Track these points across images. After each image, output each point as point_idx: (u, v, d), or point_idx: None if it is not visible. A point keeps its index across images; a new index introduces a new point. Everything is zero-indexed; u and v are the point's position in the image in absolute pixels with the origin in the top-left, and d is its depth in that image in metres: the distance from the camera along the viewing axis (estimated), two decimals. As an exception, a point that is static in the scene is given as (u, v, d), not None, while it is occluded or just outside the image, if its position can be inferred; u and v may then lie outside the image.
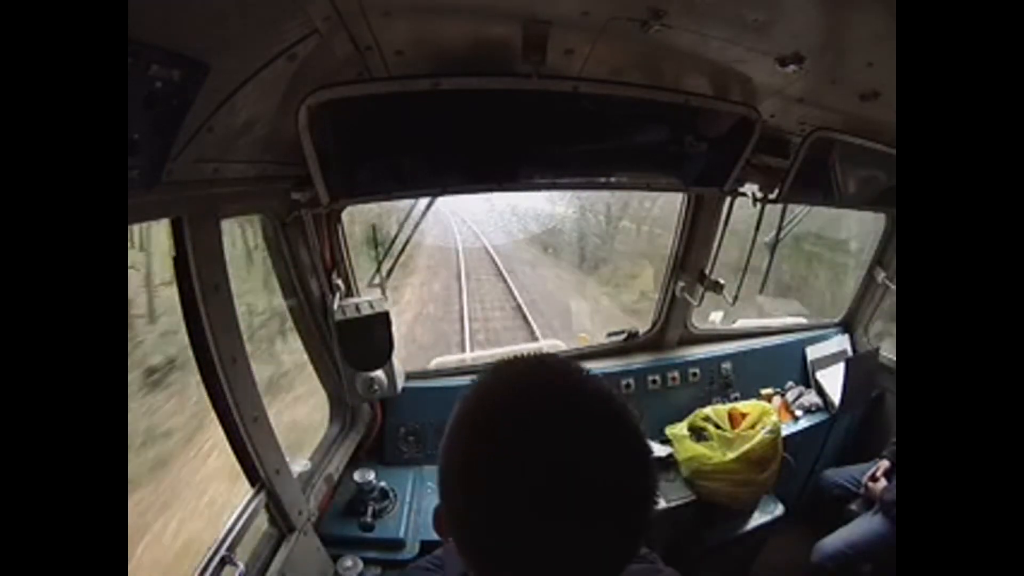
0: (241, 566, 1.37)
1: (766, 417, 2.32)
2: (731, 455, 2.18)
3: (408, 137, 1.57)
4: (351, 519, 1.94)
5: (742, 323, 3.04)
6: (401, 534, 1.91)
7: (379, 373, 2.01)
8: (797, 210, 2.44)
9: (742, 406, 2.45)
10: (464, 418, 0.55)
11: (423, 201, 1.87)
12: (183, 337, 1.31)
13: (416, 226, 1.95)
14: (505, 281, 9.84)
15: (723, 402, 2.60)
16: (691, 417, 2.42)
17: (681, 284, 2.51)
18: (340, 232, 1.94)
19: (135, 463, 2.42)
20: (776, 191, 2.11)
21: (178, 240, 1.22)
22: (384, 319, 1.90)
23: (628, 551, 0.52)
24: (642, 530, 0.52)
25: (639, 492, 0.52)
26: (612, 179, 1.99)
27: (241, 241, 2.47)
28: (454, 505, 0.54)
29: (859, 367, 2.71)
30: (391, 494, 2.03)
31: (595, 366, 2.55)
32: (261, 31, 0.96)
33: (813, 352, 2.92)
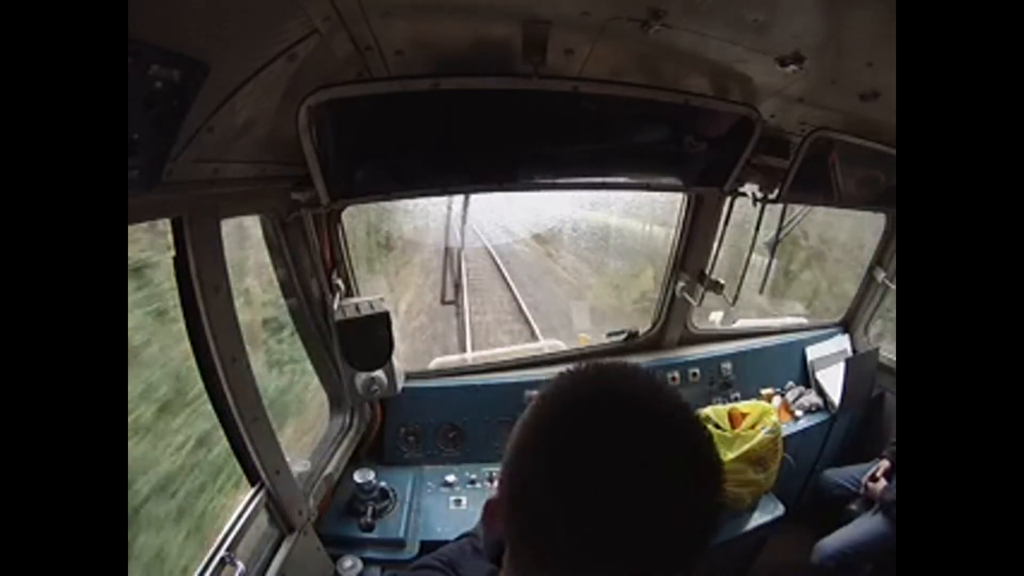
0: (241, 566, 1.37)
1: (766, 417, 2.31)
2: (731, 455, 2.18)
3: (408, 137, 1.57)
4: (351, 519, 1.94)
5: (742, 323, 3.04)
6: (401, 534, 1.91)
7: (379, 373, 2.01)
8: (797, 210, 2.44)
9: (742, 406, 2.45)
10: (546, 416, 0.55)
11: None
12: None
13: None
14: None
15: (723, 402, 2.60)
16: (691, 417, 2.42)
17: (681, 284, 2.51)
18: (340, 232, 1.94)
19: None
20: (776, 191, 2.11)
21: (178, 240, 1.22)
22: (384, 319, 1.90)
23: (688, 563, 0.53)
24: (702, 547, 0.52)
25: (711, 502, 0.52)
26: (612, 179, 1.99)
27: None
28: (523, 498, 0.53)
29: (859, 367, 2.71)
30: (391, 494, 2.04)
31: (595, 366, 2.54)
32: (261, 31, 0.96)
33: (813, 352, 2.92)
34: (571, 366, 0.57)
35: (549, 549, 0.52)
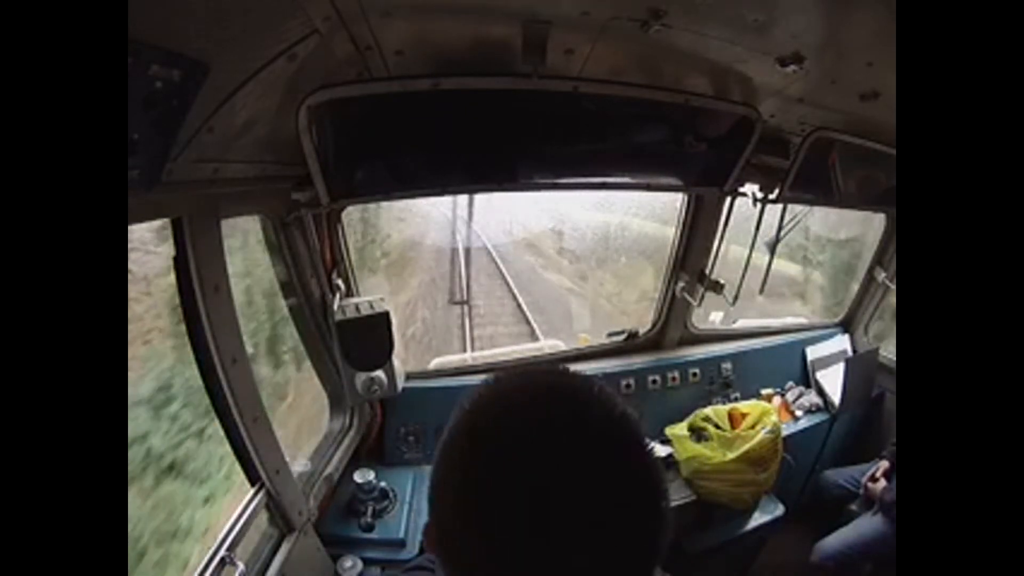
0: (241, 566, 1.37)
1: (766, 417, 2.32)
2: (731, 455, 2.19)
3: (408, 137, 1.57)
4: (351, 519, 1.94)
5: (742, 323, 3.04)
6: (401, 534, 1.91)
7: (379, 373, 2.01)
8: (797, 210, 2.44)
9: (742, 406, 2.45)
10: (460, 432, 0.52)
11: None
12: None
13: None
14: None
15: (723, 402, 2.60)
16: (691, 417, 2.42)
17: (681, 284, 2.51)
18: (340, 232, 1.94)
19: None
20: (776, 191, 2.11)
21: (178, 240, 1.22)
22: (384, 319, 1.90)
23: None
24: (649, 557, 0.49)
25: (644, 518, 0.48)
26: (612, 179, 1.99)
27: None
28: (444, 521, 0.51)
29: (859, 367, 2.71)
30: (391, 494, 2.03)
31: (595, 366, 2.55)
32: (261, 31, 0.96)
33: (813, 352, 2.92)
34: (490, 376, 0.54)
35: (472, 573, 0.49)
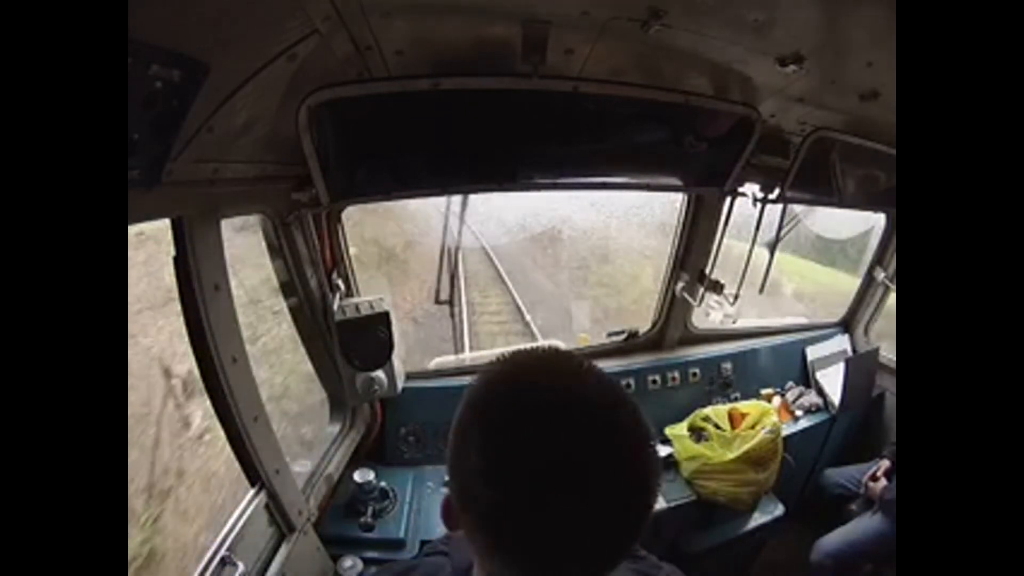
0: (241, 566, 1.37)
1: (766, 417, 2.32)
2: (731, 455, 2.19)
3: (408, 137, 1.57)
4: (351, 519, 1.94)
5: (742, 323, 3.04)
6: (401, 534, 1.91)
7: (379, 373, 2.01)
8: (797, 210, 2.44)
9: (742, 406, 2.45)
10: (475, 405, 0.57)
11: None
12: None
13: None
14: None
15: (723, 402, 2.60)
16: (691, 417, 2.42)
17: (681, 284, 2.51)
18: (340, 232, 1.94)
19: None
20: (776, 191, 2.11)
21: (178, 240, 1.22)
22: (384, 319, 1.90)
23: (624, 545, 0.55)
24: (639, 523, 0.54)
25: (637, 487, 0.54)
26: (612, 179, 1.99)
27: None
28: (462, 494, 0.56)
29: (859, 367, 2.71)
30: (391, 494, 2.03)
31: (595, 366, 2.55)
32: (261, 31, 0.96)
33: (813, 352, 2.92)
34: (493, 361, 0.60)
35: (486, 540, 0.55)
